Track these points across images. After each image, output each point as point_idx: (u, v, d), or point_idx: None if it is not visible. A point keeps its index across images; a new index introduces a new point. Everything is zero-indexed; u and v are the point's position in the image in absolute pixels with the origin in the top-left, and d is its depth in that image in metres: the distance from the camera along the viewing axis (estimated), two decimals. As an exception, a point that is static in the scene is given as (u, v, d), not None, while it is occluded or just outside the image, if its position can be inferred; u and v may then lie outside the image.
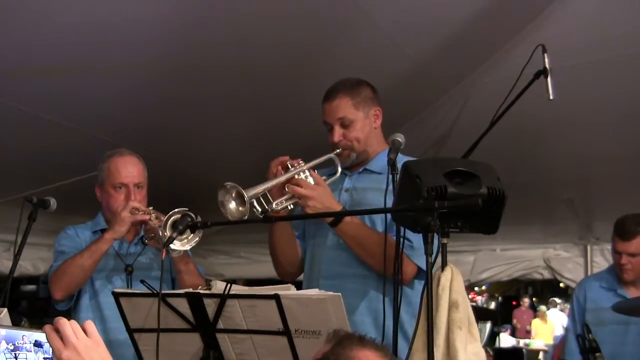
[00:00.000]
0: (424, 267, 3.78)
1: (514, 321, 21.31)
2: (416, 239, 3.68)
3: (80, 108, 5.12)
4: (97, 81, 4.81)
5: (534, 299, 24.36)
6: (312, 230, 4.11)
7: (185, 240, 3.66)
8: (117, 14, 4.19)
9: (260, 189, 3.74)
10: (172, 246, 3.59)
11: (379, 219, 3.90)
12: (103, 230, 4.36)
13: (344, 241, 3.85)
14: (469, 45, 5.02)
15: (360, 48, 4.90)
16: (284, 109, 5.53)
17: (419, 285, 3.84)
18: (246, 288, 3.36)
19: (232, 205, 3.66)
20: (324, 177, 3.90)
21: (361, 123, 4.01)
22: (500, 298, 25.20)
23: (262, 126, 5.77)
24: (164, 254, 3.47)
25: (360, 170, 4.09)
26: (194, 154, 6.17)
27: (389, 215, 3.81)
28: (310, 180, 3.81)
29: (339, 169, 4.01)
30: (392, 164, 3.67)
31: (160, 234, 3.93)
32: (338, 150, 3.99)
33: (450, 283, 3.23)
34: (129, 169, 4.40)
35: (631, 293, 5.29)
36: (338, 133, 3.98)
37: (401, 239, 3.59)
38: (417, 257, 3.74)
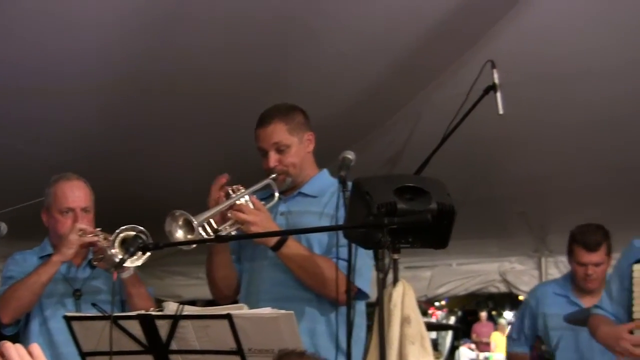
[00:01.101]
0: (364, 288, 3.85)
1: (473, 335, 21.38)
2: (358, 260, 3.67)
3: (32, 132, 5.09)
4: (48, 105, 4.80)
5: (493, 312, 24.47)
6: (249, 253, 4.09)
7: (135, 257, 3.65)
8: (71, 39, 4.19)
9: (206, 215, 3.75)
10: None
11: (315, 241, 3.92)
12: (50, 256, 4.31)
13: (285, 264, 3.84)
14: (419, 63, 5.04)
15: (312, 71, 4.93)
16: (236, 132, 5.52)
17: (359, 305, 3.91)
18: (198, 308, 3.34)
19: (180, 233, 3.66)
20: (262, 202, 3.90)
21: (296, 148, 4.02)
22: (459, 313, 25.29)
23: (215, 149, 5.76)
24: (115, 275, 3.44)
25: (295, 194, 4.09)
26: (145, 177, 6.13)
27: (325, 238, 3.88)
28: (251, 205, 3.81)
29: (277, 194, 4.00)
30: (342, 181, 3.68)
31: (109, 252, 3.91)
32: (274, 175, 3.98)
33: (402, 299, 3.22)
34: (76, 194, 4.35)
35: (585, 302, 5.32)
36: (274, 158, 3.98)
37: (341, 261, 3.66)
38: (358, 279, 3.73)
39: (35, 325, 4.30)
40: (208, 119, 5.36)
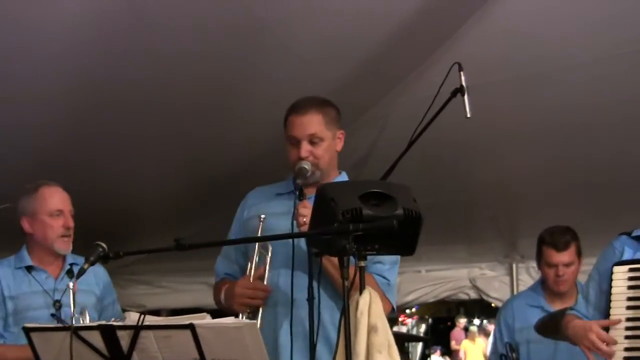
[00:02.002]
0: (394, 304, 3.95)
1: (452, 342, 21.44)
2: (392, 275, 3.85)
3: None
4: (12, 112, 4.79)
5: (476, 320, 24.55)
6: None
7: None
8: (34, 44, 4.19)
9: None
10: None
11: None
12: (28, 268, 4.42)
13: (328, 272, 3.77)
14: (384, 66, 5.06)
15: (276, 76, 4.94)
16: (201, 141, 5.54)
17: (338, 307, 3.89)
18: (160, 318, 3.34)
19: None
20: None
21: (328, 143, 3.99)
22: (430, 320, 25.31)
23: (180, 157, 5.78)
24: (75, 286, 3.44)
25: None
26: (110, 186, 6.12)
27: None
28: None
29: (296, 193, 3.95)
30: (300, 189, 3.71)
31: None
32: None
33: (369, 307, 3.24)
34: (63, 196, 4.51)
35: (558, 308, 5.35)
36: (306, 148, 3.92)
37: (378, 277, 3.78)
38: (390, 295, 3.87)
39: (10, 340, 4.35)
40: (173, 129, 5.36)
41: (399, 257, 4.00)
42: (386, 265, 3.96)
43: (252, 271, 3.92)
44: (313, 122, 3.95)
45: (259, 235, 3.93)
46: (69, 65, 4.46)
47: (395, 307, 4.01)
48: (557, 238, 5.32)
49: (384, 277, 3.92)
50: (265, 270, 3.90)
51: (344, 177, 4.18)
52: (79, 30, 4.21)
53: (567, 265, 5.33)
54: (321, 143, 3.96)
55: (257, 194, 4.26)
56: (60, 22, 4.15)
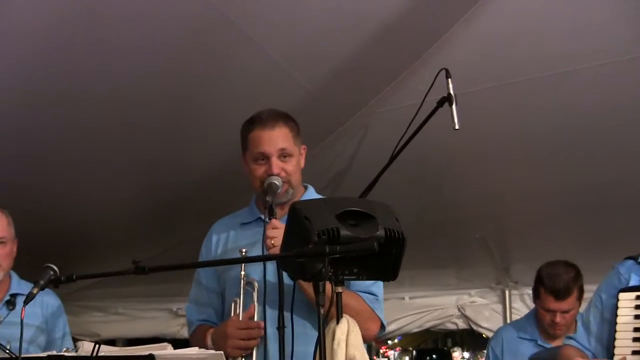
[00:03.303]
0: (384, 320, 3.95)
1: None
2: (380, 289, 3.88)
3: None
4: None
5: (465, 352, 24.60)
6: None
7: None
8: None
9: None
10: None
11: None
12: None
13: (305, 292, 3.77)
14: (365, 72, 5.09)
15: (250, 79, 4.97)
16: (159, 160, 5.55)
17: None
18: (117, 349, 3.33)
19: None
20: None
21: (297, 159, 4.02)
22: (414, 352, 25.35)
23: (136, 161, 5.75)
24: (23, 313, 3.42)
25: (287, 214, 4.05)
26: (59, 207, 6.13)
27: None
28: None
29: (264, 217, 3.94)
30: (269, 207, 3.71)
31: None
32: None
33: (347, 337, 3.24)
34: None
35: (555, 345, 5.37)
36: (277, 164, 3.93)
37: (364, 294, 3.81)
38: (379, 310, 3.88)
39: None
40: (131, 130, 5.36)
41: None
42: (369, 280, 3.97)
43: (240, 309, 3.89)
44: (282, 136, 3.98)
45: (243, 272, 3.89)
46: (15, 80, 4.48)
47: (385, 323, 4.01)
48: (557, 284, 5.28)
49: (371, 293, 3.92)
50: (254, 309, 3.87)
51: (311, 191, 4.20)
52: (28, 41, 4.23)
53: (566, 311, 5.34)
54: (291, 159, 3.99)
55: (220, 228, 4.26)
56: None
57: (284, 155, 3.96)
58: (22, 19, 4.11)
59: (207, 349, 3.89)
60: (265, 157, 3.96)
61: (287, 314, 3.73)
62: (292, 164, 3.98)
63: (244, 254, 3.85)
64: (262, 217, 4.00)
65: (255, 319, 3.85)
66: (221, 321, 4.10)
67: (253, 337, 3.82)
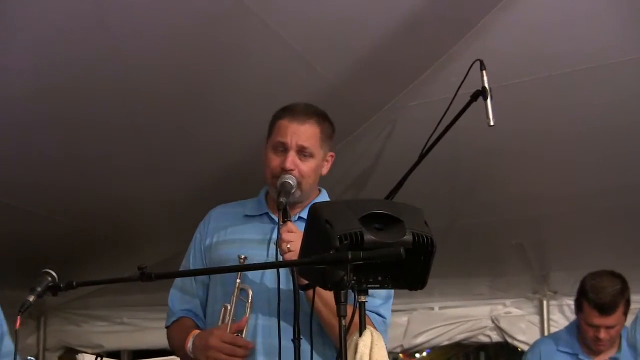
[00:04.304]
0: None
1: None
2: (388, 312, 3.92)
3: None
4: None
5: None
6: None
7: None
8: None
9: None
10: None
11: None
12: None
13: (315, 306, 3.67)
14: (392, 63, 5.06)
15: (268, 71, 4.95)
16: (168, 145, 5.54)
17: (331, 353, 3.88)
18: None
19: None
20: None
21: (317, 163, 4.02)
22: (444, 367, 25.27)
23: (142, 161, 5.74)
24: (18, 322, 3.42)
25: (295, 218, 4.03)
26: (52, 204, 6.13)
27: None
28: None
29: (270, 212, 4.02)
30: (283, 209, 3.70)
31: None
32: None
33: (370, 350, 3.22)
34: None
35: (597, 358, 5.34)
36: (292, 159, 3.93)
37: (373, 314, 3.80)
38: (386, 336, 3.83)
39: None
40: (136, 126, 5.37)
41: (392, 290, 4.00)
42: (379, 300, 3.98)
43: (229, 318, 3.87)
44: (308, 134, 3.98)
45: (239, 280, 3.89)
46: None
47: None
48: (602, 297, 5.25)
49: (380, 315, 3.93)
50: (245, 322, 3.86)
51: (324, 196, 4.20)
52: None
53: (611, 327, 5.30)
54: (310, 160, 3.99)
55: (220, 215, 4.26)
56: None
57: (303, 154, 3.96)
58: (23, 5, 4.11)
59: (185, 352, 3.91)
60: (284, 149, 3.96)
61: (284, 325, 3.76)
62: (310, 166, 3.98)
63: (242, 260, 3.86)
64: (269, 213, 4.06)
65: (244, 333, 3.84)
66: (202, 314, 4.12)
67: (237, 356, 3.80)
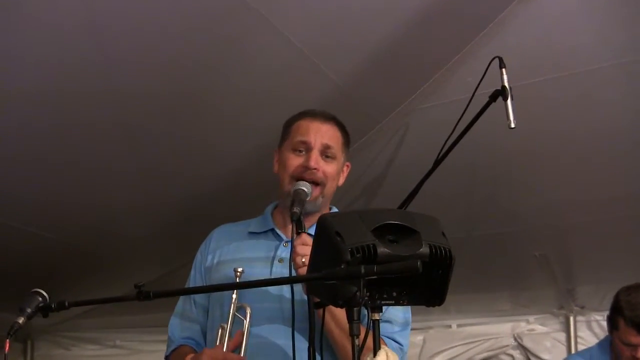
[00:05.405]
0: None
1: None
2: (406, 340, 3.88)
3: None
4: None
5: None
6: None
7: None
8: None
9: None
10: None
11: None
12: None
13: (327, 326, 3.68)
14: (404, 62, 5.09)
15: (271, 72, 4.97)
16: (167, 150, 5.55)
17: None
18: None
19: None
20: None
21: (338, 168, 4.02)
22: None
23: (140, 169, 5.76)
24: (7, 346, 3.44)
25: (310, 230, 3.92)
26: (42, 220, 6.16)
27: None
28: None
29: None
30: (297, 220, 3.68)
31: None
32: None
33: (385, 371, 3.23)
34: None
35: (631, 377, 5.34)
36: (318, 159, 3.92)
37: (392, 342, 3.77)
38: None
39: None
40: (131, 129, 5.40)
41: (410, 316, 4.00)
42: (397, 326, 3.95)
43: (226, 338, 3.85)
44: (331, 133, 4.00)
45: (234, 296, 3.86)
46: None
47: None
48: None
49: (396, 341, 3.90)
50: (242, 338, 3.82)
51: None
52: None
53: None
54: (333, 162, 3.98)
55: (222, 234, 4.25)
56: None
57: (327, 154, 3.96)
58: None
59: None
60: (307, 149, 3.95)
61: (290, 342, 3.72)
62: (333, 168, 3.98)
63: (239, 273, 3.81)
64: (276, 228, 4.04)
65: (242, 352, 3.81)
66: (203, 340, 4.12)
67: None
